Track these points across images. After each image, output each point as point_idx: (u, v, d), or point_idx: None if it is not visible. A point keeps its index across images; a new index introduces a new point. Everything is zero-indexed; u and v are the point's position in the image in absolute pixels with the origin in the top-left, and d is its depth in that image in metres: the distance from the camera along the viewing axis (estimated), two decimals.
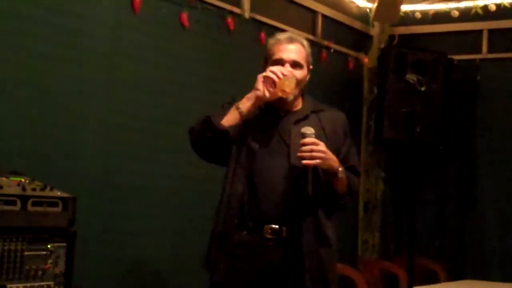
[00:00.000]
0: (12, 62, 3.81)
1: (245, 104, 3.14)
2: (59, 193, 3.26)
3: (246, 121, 3.16)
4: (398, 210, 6.86)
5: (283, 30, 5.71)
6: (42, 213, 3.15)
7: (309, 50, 3.33)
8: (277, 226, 3.08)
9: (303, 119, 3.22)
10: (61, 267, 3.18)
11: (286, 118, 3.23)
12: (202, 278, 4.83)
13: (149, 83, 4.59)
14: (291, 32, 3.32)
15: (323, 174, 3.12)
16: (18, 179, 3.24)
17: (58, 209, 3.22)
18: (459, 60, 6.54)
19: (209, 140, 3.13)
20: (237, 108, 3.13)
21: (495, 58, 6.62)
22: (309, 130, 3.06)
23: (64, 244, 3.22)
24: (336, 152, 3.18)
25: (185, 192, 4.77)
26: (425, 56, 6.14)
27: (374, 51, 6.85)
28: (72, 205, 3.28)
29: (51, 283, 3.12)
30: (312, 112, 3.28)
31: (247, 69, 5.28)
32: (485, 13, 6.48)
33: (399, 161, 6.75)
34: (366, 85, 6.87)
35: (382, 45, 6.84)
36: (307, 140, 3.03)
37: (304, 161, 3.01)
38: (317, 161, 3.03)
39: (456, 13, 6.58)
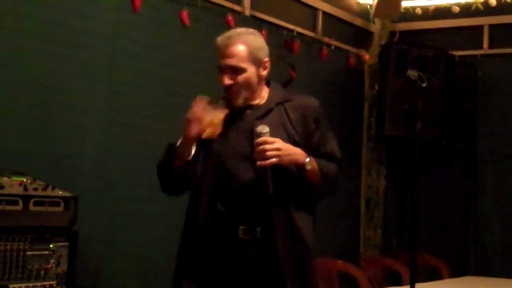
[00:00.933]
0: (14, 61, 3.82)
1: (183, 148, 3.05)
2: (60, 192, 3.27)
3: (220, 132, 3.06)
4: (400, 206, 6.86)
5: (283, 28, 5.73)
6: (44, 213, 3.16)
7: (256, 44, 3.08)
8: (250, 227, 2.98)
9: (265, 114, 3.07)
10: (63, 267, 3.19)
11: (250, 115, 3.09)
12: None
13: (150, 81, 4.59)
14: (236, 31, 3.11)
15: (291, 169, 3.00)
16: (20, 179, 3.25)
17: (60, 208, 3.23)
18: (460, 56, 6.54)
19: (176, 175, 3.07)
20: (180, 150, 3.05)
21: (496, 54, 6.61)
22: (264, 128, 2.93)
23: (66, 243, 3.23)
24: (307, 140, 3.08)
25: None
26: (426, 52, 6.15)
27: (375, 48, 6.85)
28: (74, 204, 3.29)
29: (54, 282, 3.13)
30: (278, 103, 3.11)
31: None
32: (486, 9, 6.47)
33: (401, 157, 6.76)
34: (367, 82, 6.87)
35: (383, 42, 6.84)
36: (259, 140, 2.91)
37: (258, 162, 2.90)
38: (272, 160, 2.89)
39: (456, 9, 6.58)
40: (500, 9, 6.43)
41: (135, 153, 4.46)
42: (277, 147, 2.90)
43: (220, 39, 3.10)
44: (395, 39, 6.89)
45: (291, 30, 5.81)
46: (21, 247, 3.06)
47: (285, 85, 5.56)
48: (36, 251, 3.11)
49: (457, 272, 5.90)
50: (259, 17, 5.49)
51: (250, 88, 3.07)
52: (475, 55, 6.65)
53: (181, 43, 4.80)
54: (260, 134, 2.91)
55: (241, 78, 3.04)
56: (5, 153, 3.63)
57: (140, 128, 4.51)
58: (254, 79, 3.07)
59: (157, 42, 4.65)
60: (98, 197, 4.15)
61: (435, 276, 5.65)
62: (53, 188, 3.25)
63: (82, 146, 4.14)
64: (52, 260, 3.17)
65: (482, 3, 6.46)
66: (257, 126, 2.97)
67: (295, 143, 3.01)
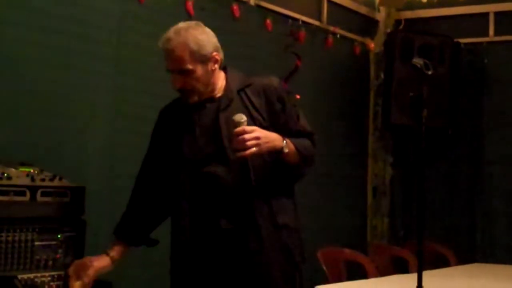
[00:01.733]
0: (20, 54, 3.82)
1: None
2: (68, 183, 3.27)
3: (175, 127, 3.06)
4: (407, 195, 6.87)
5: (288, 17, 5.73)
6: (52, 203, 3.16)
7: (198, 42, 2.98)
8: (231, 219, 2.94)
9: (228, 105, 2.98)
10: (71, 257, 3.20)
11: (210, 109, 3.01)
12: None
13: (156, 72, 4.58)
14: (177, 29, 3.01)
15: (268, 156, 2.92)
16: (27, 169, 3.25)
17: (67, 199, 3.23)
18: (466, 44, 6.53)
19: None
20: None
21: (502, 41, 6.60)
22: (241, 117, 2.81)
23: (74, 233, 3.24)
24: (275, 121, 2.99)
25: None
26: (431, 40, 6.14)
27: (380, 36, 6.84)
28: (81, 194, 3.29)
29: (62, 272, 3.13)
30: (239, 91, 3.03)
31: (253, 56, 5.31)
32: None
33: (407, 146, 6.76)
34: (372, 70, 6.86)
35: (389, 30, 6.83)
36: (237, 130, 2.79)
37: (238, 154, 2.80)
38: (253, 149, 2.78)
39: None
40: None
41: (141, 145, 4.46)
42: (256, 135, 2.80)
43: (161, 42, 3.00)
44: (401, 27, 6.88)
45: (297, 20, 5.81)
46: (29, 237, 3.07)
47: (291, 74, 5.59)
48: (44, 241, 3.12)
49: (464, 259, 5.91)
50: (264, 6, 5.49)
51: (203, 85, 2.98)
52: (481, 43, 6.65)
53: None
54: (238, 123, 2.81)
55: (190, 78, 2.95)
56: (13, 145, 3.65)
57: (146, 120, 4.49)
58: (204, 76, 2.97)
59: (163, 33, 4.63)
60: (105, 188, 4.16)
61: (442, 263, 5.66)
62: (60, 179, 3.26)
63: (89, 137, 4.16)
64: (60, 250, 3.17)
65: None
66: (223, 118, 2.94)
67: (263, 128, 2.91)
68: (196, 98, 2.99)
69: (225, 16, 5.12)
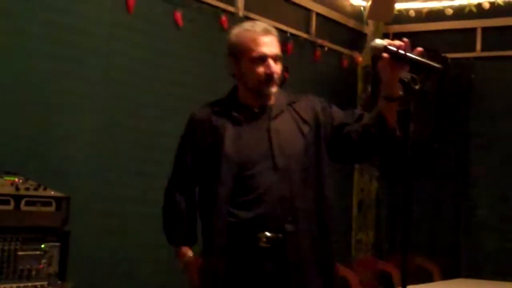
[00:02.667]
0: (8, 60, 3.81)
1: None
2: (52, 192, 3.26)
3: (218, 129, 2.98)
4: (392, 209, 6.87)
5: (277, 29, 5.69)
6: (36, 213, 3.15)
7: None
8: (272, 234, 2.86)
9: (280, 114, 2.99)
10: (54, 267, 3.18)
11: (262, 115, 2.99)
12: None
13: (144, 82, 4.58)
14: (262, 23, 3.07)
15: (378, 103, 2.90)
16: (12, 178, 3.24)
17: (52, 208, 3.21)
18: (453, 59, 6.54)
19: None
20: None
21: (489, 57, 6.62)
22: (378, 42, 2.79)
23: (58, 243, 3.22)
24: (331, 124, 3.00)
25: None
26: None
27: (368, 50, 6.85)
28: (66, 204, 3.28)
29: (45, 283, 3.12)
30: (288, 104, 3.03)
31: None
32: (479, 11, 6.48)
33: (393, 159, 6.76)
34: (360, 84, 6.87)
35: None
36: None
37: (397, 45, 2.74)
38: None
39: (450, 11, 6.59)
40: (493, 12, 6.43)
41: (128, 154, 4.46)
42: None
43: (252, 27, 3.02)
44: None
45: (285, 32, 5.81)
46: (12, 247, 3.05)
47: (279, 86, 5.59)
48: (28, 251, 3.10)
49: (449, 274, 5.90)
50: (253, 18, 5.48)
51: (279, 78, 3.01)
52: (468, 58, 6.67)
53: (174, 43, 4.80)
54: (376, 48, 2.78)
55: (280, 68, 3.01)
56: None
57: (134, 129, 4.51)
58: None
59: (151, 43, 4.64)
60: (91, 198, 4.14)
61: (426, 278, 5.65)
62: (45, 188, 3.25)
63: (75, 146, 4.13)
64: (43, 260, 3.16)
65: (475, 6, 6.47)
66: (274, 125, 2.94)
67: (313, 144, 2.95)
68: (274, 89, 2.98)
69: (214, 27, 5.11)
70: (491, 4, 6.38)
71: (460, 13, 6.57)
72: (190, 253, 3.04)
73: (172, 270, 4.65)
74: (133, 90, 4.50)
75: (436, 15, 6.70)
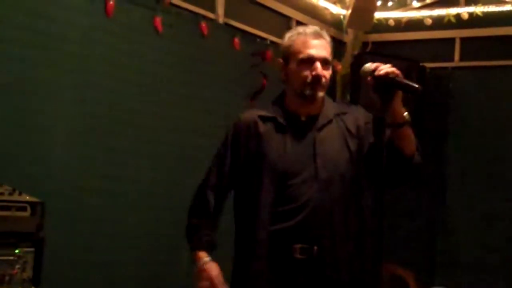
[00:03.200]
0: None
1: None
2: (27, 197, 3.23)
3: (263, 136, 2.94)
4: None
5: (257, 36, 5.73)
6: (10, 218, 3.12)
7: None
8: (306, 245, 2.84)
9: (327, 124, 2.96)
10: (29, 273, 3.15)
11: (308, 124, 2.96)
12: (174, 282, 4.83)
13: (121, 87, 4.56)
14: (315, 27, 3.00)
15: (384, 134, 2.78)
16: None
17: (27, 213, 3.18)
18: (432, 68, 6.58)
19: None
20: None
21: (467, 66, 6.67)
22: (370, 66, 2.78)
23: (32, 249, 3.19)
24: (366, 145, 2.94)
25: (156, 196, 4.75)
26: (397, 64, 6.08)
27: (348, 58, 6.87)
28: (41, 210, 3.25)
29: None
30: (336, 115, 3.00)
31: (220, 74, 5.31)
32: (458, 22, 6.52)
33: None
34: (339, 92, 6.87)
35: (356, 52, 6.85)
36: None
37: (377, 72, 2.71)
38: (391, 69, 2.71)
39: (429, 21, 6.63)
40: (471, 23, 6.48)
41: (103, 158, 4.43)
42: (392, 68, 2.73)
43: (303, 30, 2.98)
44: (368, 50, 6.92)
45: (264, 39, 5.81)
46: None
47: (257, 93, 5.59)
48: (1, 256, 3.07)
49: (423, 282, 5.92)
50: (233, 25, 5.49)
51: (327, 84, 2.96)
52: (447, 68, 6.71)
53: (153, 49, 4.78)
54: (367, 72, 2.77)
55: (329, 73, 2.96)
56: None
57: (109, 134, 4.48)
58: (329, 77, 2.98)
59: (130, 48, 4.62)
60: (66, 203, 4.11)
61: (401, 286, 5.66)
62: (20, 193, 3.22)
63: (50, 150, 4.10)
64: (17, 266, 3.12)
65: (454, 16, 6.51)
66: (320, 136, 2.91)
67: (357, 159, 2.92)
68: (322, 93, 2.95)
69: (193, 33, 5.11)
70: (470, 14, 6.43)
71: (439, 23, 6.62)
72: (207, 258, 2.96)
73: (148, 274, 4.67)
74: (110, 94, 4.47)
75: (415, 24, 6.74)
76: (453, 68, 6.71)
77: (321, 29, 3.00)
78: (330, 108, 3.02)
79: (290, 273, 2.84)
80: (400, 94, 2.75)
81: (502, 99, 6.50)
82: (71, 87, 4.23)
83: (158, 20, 4.77)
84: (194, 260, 2.99)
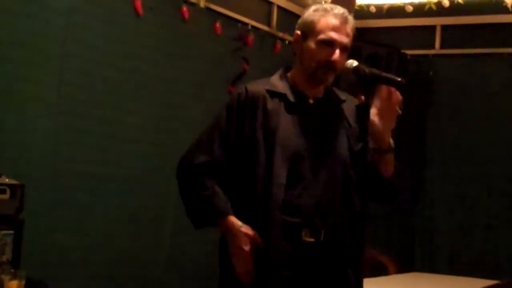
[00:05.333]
0: None
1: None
2: (7, 180, 3.22)
3: (271, 112, 2.84)
4: None
5: (238, 21, 5.71)
6: None
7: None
8: (314, 229, 2.79)
9: (331, 109, 2.93)
10: (8, 255, 3.14)
11: (315, 107, 2.92)
12: (155, 267, 4.83)
13: (102, 70, 4.54)
14: (346, 12, 2.89)
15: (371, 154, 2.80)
16: None
17: (6, 196, 3.18)
18: (412, 55, 6.61)
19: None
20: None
21: (447, 54, 6.70)
22: (352, 63, 2.81)
23: (12, 231, 3.18)
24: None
25: (137, 181, 4.75)
26: (379, 50, 6.19)
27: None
28: (20, 192, 3.24)
29: None
30: (337, 101, 2.97)
31: (201, 58, 5.29)
32: (439, 9, 6.53)
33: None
34: None
35: None
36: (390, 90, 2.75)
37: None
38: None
39: (410, 8, 6.64)
40: (452, 10, 6.50)
41: (85, 143, 4.42)
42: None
43: (336, 12, 2.87)
44: None
45: (246, 24, 5.80)
46: None
47: (238, 78, 5.58)
48: None
49: (403, 268, 5.96)
50: (214, 9, 5.47)
51: (339, 70, 2.89)
52: (427, 55, 6.74)
53: (134, 32, 4.76)
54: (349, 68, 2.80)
55: (343, 57, 2.87)
56: None
57: (91, 118, 4.46)
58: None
59: (110, 31, 4.59)
60: (46, 186, 4.10)
61: (381, 271, 5.70)
62: None
63: (30, 134, 4.08)
64: None
65: (435, 4, 6.53)
66: (322, 120, 2.88)
67: (352, 150, 2.89)
68: (331, 78, 2.90)
69: (174, 17, 5.08)
70: (451, 2, 6.44)
71: (420, 10, 6.63)
72: (239, 222, 2.79)
73: (128, 257, 4.67)
74: (91, 79, 4.45)
75: (396, 11, 6.75)
76: (434, 55, 6.73)
77: (349, 12, 2.90)
78: (333, 93, 2.99)
79: (299, 257, 2.79)
80: (392, 125, 2.86)
81: (482, 86, 6.54)
82: (52, 70, 4.20)
83: (139, 3, 4.74)
84: (225, 226, 2.81)
